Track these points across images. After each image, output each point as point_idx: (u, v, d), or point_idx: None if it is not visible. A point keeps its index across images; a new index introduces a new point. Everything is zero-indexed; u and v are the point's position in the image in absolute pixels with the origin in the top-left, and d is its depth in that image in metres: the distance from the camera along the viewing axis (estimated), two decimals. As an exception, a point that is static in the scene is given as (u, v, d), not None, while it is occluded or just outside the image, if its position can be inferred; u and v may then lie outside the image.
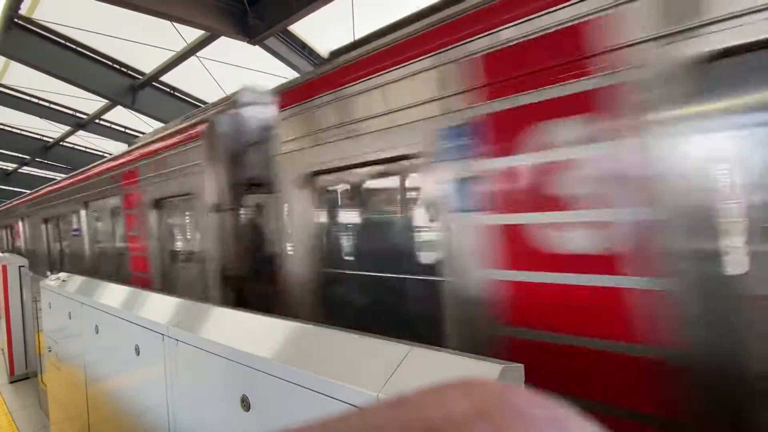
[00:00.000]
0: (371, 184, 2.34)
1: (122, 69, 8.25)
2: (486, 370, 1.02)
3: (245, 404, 1.46)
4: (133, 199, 3.70)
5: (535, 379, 1.03)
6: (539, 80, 1.35)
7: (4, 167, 17.88)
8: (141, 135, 11.00)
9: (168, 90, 8.90)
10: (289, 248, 2.28)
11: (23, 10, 6.49)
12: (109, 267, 4.52)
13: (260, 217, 2.89)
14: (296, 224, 2.25)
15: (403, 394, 0.20)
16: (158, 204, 3.40)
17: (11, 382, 6.06)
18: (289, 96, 2.29)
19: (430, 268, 1.81)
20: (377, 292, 2.16)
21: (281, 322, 1.56)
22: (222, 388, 1.59)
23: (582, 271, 1.27)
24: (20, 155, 14.76)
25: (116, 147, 11.09)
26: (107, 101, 9.28)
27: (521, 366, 1.07)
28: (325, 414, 0.20)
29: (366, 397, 1.10)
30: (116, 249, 4.30)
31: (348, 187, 2.43)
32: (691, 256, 1.13)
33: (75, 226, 5.35)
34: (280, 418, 1.33)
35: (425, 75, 1.67)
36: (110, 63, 8.10)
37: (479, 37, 1.50)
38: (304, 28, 6.45)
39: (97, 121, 10.93)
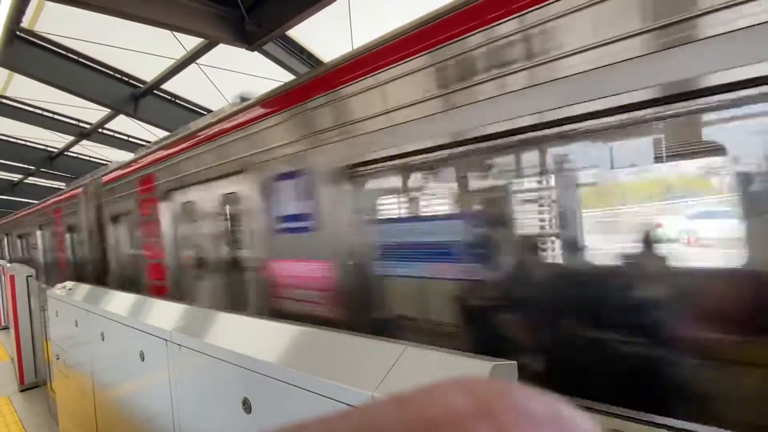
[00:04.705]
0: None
1: (123, 78, 8.32)
2: (478, 367, 1.04)
3: (246, 407, 1.48)
4: (60, 224, 6.79)
5: None
6: None
7: (10, 178, 18.06)
8: (144, 143, 11.09)
9: (169, 98, 8.96)
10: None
11: (25, 23, 6.57)
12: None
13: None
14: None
15: (403, 392, 0.20)
16: (70, 228, 6.40)
17: (21, 391, 6.13)
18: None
19: None
20: None
21: (279, 326, 1.58)
22: (224, 391, 1.62)
23: None
24: (26, 166, 14.90)
25: (120, 156, 11.17)
26: (110, 110, 9.37)
27: (514, 363, 1.08)
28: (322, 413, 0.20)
29: (362, 397, 1.12)
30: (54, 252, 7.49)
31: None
32: None
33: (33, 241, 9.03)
34: (280, 419, 1.35)
35: None
36: (111, 72, 8.17)
37: None
38: (302, 32, 6.48)
39: (100, 130, 11.02)
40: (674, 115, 1.28)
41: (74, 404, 3.60)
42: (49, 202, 7.54)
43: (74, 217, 6.02)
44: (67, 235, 6.54)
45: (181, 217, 3.61)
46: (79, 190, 5.84)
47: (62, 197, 6.77)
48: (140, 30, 5.70)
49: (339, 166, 2.08)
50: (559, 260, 1.63)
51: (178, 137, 3.58)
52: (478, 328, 1.79)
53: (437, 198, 1.93)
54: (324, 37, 6.63)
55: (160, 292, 3.71)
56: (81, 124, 10.90)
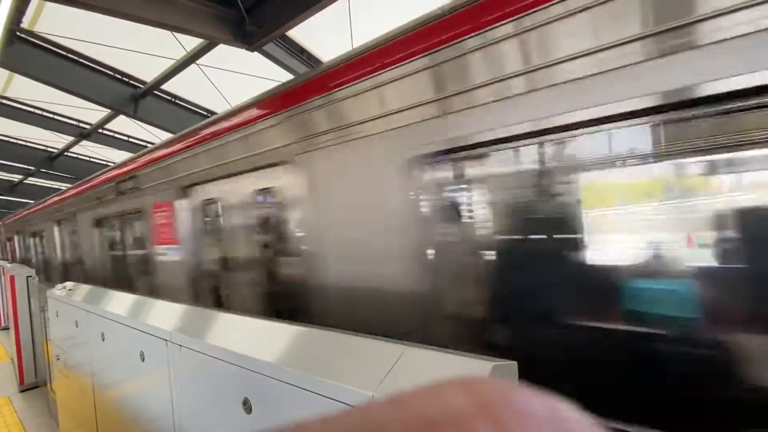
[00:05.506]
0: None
1: (124, 79, 8.32)
2: (478, 367, 1.04)
3: (247, 407, 1.48)
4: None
5: None
6: None
7: (10, 179, 18.07)
8: (145, 144, 11.11)
9: (169, 98, 8.97)
10: None
11: (25, 24, 6.57)
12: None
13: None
14: None
15: (402, 391, 0.20)
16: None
17: (21, 391, 6.13)
18: None
19: None
20: None
21: (279, 326, 1.58)
22: (224, 392, 1.62)
23: None
24: (25, 166, 14.91)
25: (120, 156, 11.18)
26: (110, 111, 9.37)
27: (514, 363, 1.08)
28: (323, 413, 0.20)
29: (362, 397, 1.12)
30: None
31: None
32: None
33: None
34: (280, 419, 1.35)
35: None
36: (112, 73, 8.17)
37: None
38: (302, 33, 6.49)
39: (100, 130, 11.03)
40: None
41: (74, 405, 3.60)
42: None
43: None
44: None
45: None
46: None
47: None
48: (140, 30, 5.71)
49: None
50: None
51: None
52: None
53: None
54: (324, 37, 6.64)
55: None
56: (81, 125, 10.90)
